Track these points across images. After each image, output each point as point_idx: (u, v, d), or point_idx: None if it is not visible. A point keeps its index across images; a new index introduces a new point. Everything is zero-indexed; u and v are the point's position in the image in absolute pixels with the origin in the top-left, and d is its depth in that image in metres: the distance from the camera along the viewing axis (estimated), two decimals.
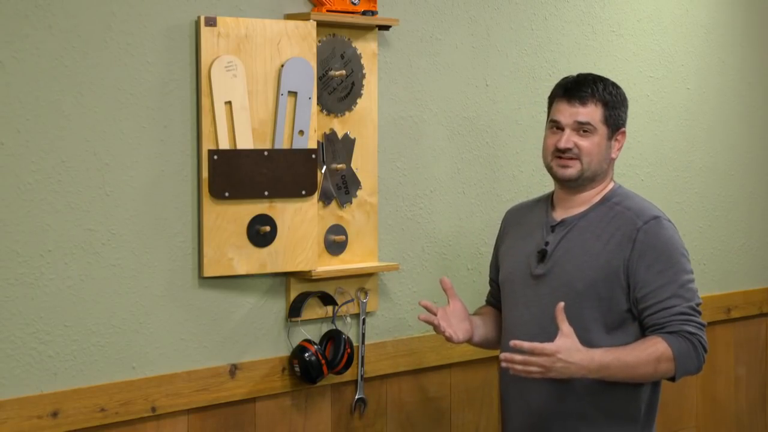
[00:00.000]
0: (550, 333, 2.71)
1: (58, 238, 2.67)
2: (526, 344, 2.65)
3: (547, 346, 2.64)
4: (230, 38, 2.89)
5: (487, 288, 3.15)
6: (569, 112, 2.82)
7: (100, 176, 2.73)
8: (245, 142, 2.92)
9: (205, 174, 2.87)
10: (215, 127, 2.88)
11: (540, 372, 2.66)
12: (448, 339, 2.89)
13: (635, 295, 2.77)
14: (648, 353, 2.72)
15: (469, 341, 2.96)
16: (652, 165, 4.01)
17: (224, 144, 2.89)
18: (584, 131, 2.81)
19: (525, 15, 3.60)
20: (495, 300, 3.08)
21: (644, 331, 2.79)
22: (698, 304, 2.80)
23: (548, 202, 2.96)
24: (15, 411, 2.61)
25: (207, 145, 2.87)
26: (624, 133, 2.89)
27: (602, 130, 2.83)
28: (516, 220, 3.03)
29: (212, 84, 2.86)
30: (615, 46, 3.87)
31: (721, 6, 4.23)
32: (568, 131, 2.82)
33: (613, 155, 2.87)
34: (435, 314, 2.88)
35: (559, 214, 2.90)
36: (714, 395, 4.30)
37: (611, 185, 2.91)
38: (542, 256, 2.85)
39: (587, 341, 2.73)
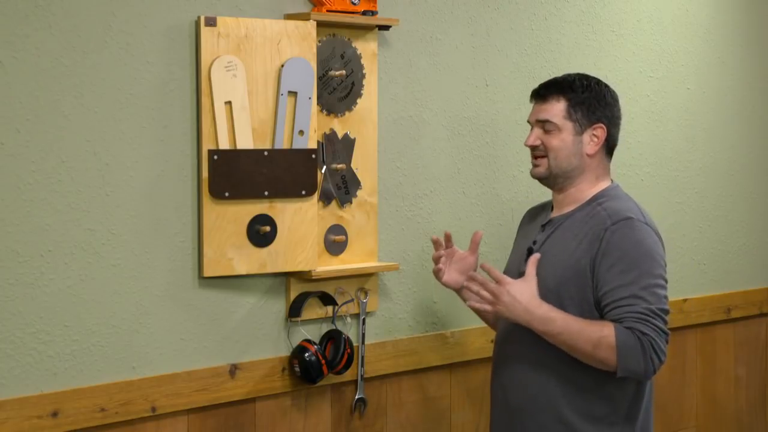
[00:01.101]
0: (523, 330, 2.78)
1: (58, 238, 2.67)
2: (488, 267, 2.79)
3: (499, 275, 2.76)
4: (230, 38, 2.89)
5: None
6: (534, 111, 2.91)
7: (100, 176, 2.73)
8: (245, 142, 2.92)
9: (205, 174, 2.87)
10: (215, 127, 2.88)
11: (489, 300, 2.75)
12: (436, 272, 3.03)
13: (597, 294, 2.76)
14: (592, 330, 2.70)
15: (458, 293, 3.06)
16: (652, 165, 4.01)
17: (224, 144, 2.89)
18: (547, 129, 2.86)
19: (525, 15, 3.60)
20: None
21: None
22: (661, 309, 2.73)
23: (550, 205, 3.00)
24: (15, 411, 2.61)
25: (207, 145, 2.87)
26: (602, 128, 2.87)
27: (566, 125, 2.85)
28: (526, 219, 3.10)
29: (212, 84, 2.86)
30: (615, 46, 3.87)
31: (721, 6, 4.23)
32: (535, 129, 2.88)
33: (589, 151, 2.86)
34: (442, 248, 3.02)
35: (553, 214, 2.94)
36: (714, 395, 4.30)
37: (605, 184, 2.90)
38: (528, 254, 2.89)
39: None
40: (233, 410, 3.00)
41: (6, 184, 2.59)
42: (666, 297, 2.77)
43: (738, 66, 4.31)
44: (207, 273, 2.90)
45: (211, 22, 2.85)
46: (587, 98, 2.86)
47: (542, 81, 3.59)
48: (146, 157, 2.80)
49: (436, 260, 3.04)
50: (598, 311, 2.77)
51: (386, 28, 3.20)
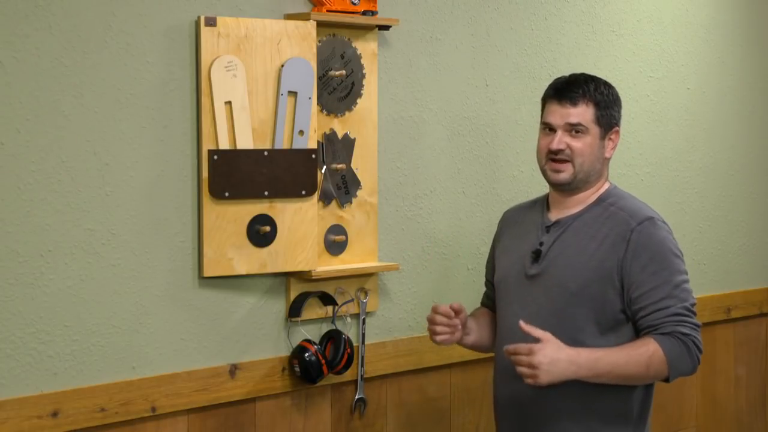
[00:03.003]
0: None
1: (58, 238, 2.67)
2: (510, 347, 2.67)
3: (521, 345, 2.65)
4: (230, 38, 2.89)
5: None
6: (560, 114, 2.81)
7: (100, 176, 2.73)
8: (245, 142, 2.92)
9: (205, 174, 2.87)
10: (215, 127, 2.88)
11: (530, 374, 2.64)
12: (439, 342, 2.89)
13: (629, 296, 2.76)
14: (639, 353, 2.70)
15: (459, 342, 2.94)
16: (652, 165, 4.01)
17: (224, 144, 2.89)
18: (576, 132, 2.80)
19: (525, 15, 3.60)
20: (490, 301, 3.07)
21: (638, 333, 2.78)
22: (693, 305, 2.78)
23: (544, 203, 2.96)
24: (15, 411, 2.61)
25: (207, 145, 2.87)
26: (617, 132, 2.87)
27: (594, 130, 2.81)
28: (512, 220, 3.03)
29: (212, 84, 2.86)
30: (615, 46, 3.87)
31: (721, 6, 4.23)
32: (560, 132, 2.81)
33: (607, 155, 2.86)
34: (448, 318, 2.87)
35: (554, 215, 2.90)
36: (714, 395, 4.30)
37: (606, 185, 2.90)
38: (536, 256, 2.85)
39: (580, 342, 2.73)
40: (233, 410, 3.00)
41: (6, 184, 2.59)
42: (692, 290, 2.81)
43: (738, 66, 4.31)
44: (207, 273, 2.90)
45: (211, 22, 2.85)
46: (610, 102, 2.84)
47: (542, 81, 3.59)
48: (146, 157, 2.80)
49: (436, 323, 2.88)
50: (628, 310, 2.76)
51: (386, 28, 3.20)
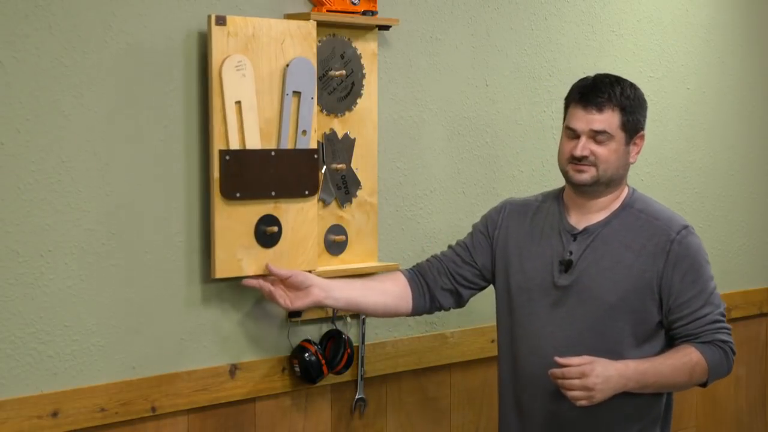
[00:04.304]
0: (577, 347, 2.70)
1: (58, 238, 2.67)
2: (557, 371, 2.64)
3: (570, 369, 2.62)
4: (239, 37, 2.87)
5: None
6: (585, 120, 2.74)
7: (100, 176, 2.73)
8: (254, 142, 2.91)
9: (216, 174, 2.84)
10: (226, 127, 2.86)
11: (585, 397, 2.62)
12: (283, 306, 2.84)
13: (668, 305, 2.74)
14: (683, 363, 2.72)
15: (322, 303, 2.85)
16: (652, 165, 4.01)
17: (235, 144, 2.87)
18: (599, 139, 2.74)
19: (525, 15, 3.60)
20: (437, 261, 2.97)
21: (672, 341, 2.78)
22: (725, 309, 2.82)
23: (558, 203, 2.88)
24: (15, 411, 2.61)
25: (218, 145, 2.85)
26: (642, 136, 2.82)
27: (620, 136, 2.75)
28: (520, 216, 2.94)
29: (223, 83, 2.84)
30: (615, 46, 3.87)
31: (721, 6, 4.23)
32: (584, 139, 2.74)
33: (632, 160, 2.81)
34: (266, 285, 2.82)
35: (576, 221, 2.83)
36: (714, 395, 4.30)
37: (627, 189, 2.86)
38: (567, 266, 2.78)
39: (618, 354, 2.71)
40: (233, 410, 3.00)
41: (6, 184, 2.59)
42: (719, 294, 2.85)
43: (738, 66, 4.31)
44: (218, 274, 2.87)
45: (221, 21, 2.83)
46: (636, 107, 2.78)
47: (542, 81, 3.60)
48: (146, 157, 2.80)
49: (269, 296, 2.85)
50: (665, 319, 2.75)
51: (386, 28, 3.20)
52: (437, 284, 2.96)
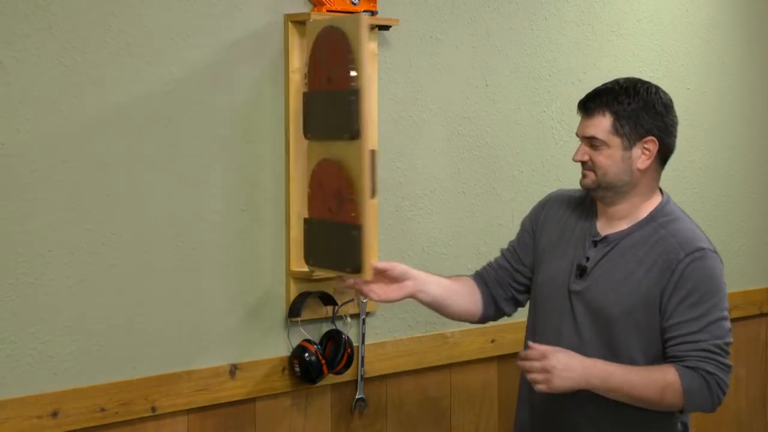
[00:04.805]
0: (588, 354, 2.67)
1: (58, 238, 2.67)
2: (521, 353, 2.65)
3: (532, 350, 2.61)
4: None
5: None
6: (581, 126, 2.74)
7: (100, 176, 2.73)
8: None
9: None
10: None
11: (542, 380, 2.59)
12: (371, 299, 2.76)
13: (663, 324, 2.67)
14: (655, 378, 2.63)
15: (414, 296, 2.79)
16: None
17: None
18: (594, 145, 2.71)
19: (525, 15, 3.60)
20: (493, 271, 2.95)
21: (664, 360, 2.70)
22: (727, 344, 2.68)
23: (592, 208, 2.84)
24: (15, 411, 2.61)
25: None
26: (653, 141, 2.74)
27: (614, 141, 2.70)
28: (559, 211, 2.90)
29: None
30: (615, 46, 3.87)
31: (721, 6, 4.23)
32: (582, 145, 2.74)
33: (640, 166, 2.73)
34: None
35: (602, 227, 2.79)
36: None
37: (658, 199, 2.81)
38: (582, 271, 2.76)
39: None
40: (233, 410, 3.00)
41: (6, 184, 2.59)
42: (730, 330, 2.71)
43: (738, 66, 4.31)
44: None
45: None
46: (635, 110, 2.72)
47: (542, 81, 3.59)
48: (146, 157, 2.80)
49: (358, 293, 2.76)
50: (661, 337, 2.69)
51: (386, 28, 3.20)
52: (499, 295, 2.94)
